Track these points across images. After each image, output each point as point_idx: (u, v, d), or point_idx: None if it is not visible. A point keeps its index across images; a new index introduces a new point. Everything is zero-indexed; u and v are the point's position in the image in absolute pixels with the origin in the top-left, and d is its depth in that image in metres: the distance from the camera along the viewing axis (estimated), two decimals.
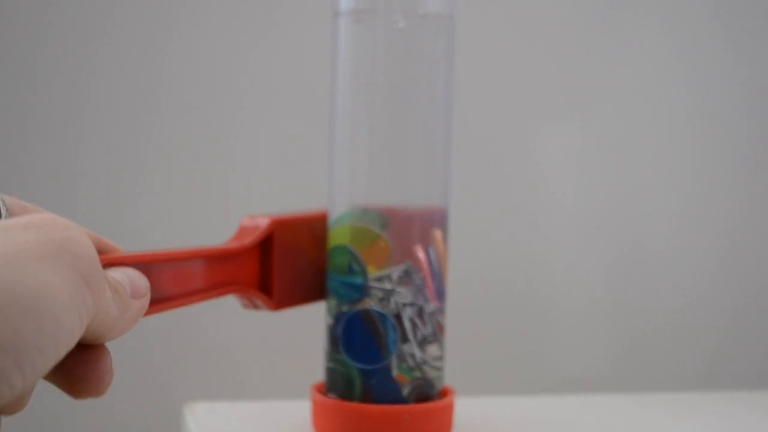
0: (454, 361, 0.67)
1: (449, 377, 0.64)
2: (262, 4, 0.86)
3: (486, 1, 0.89)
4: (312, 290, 0.62)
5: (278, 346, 0.87)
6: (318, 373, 0.65)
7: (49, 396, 0.83)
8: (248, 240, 0.57)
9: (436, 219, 0.61)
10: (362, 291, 0.59)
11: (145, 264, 0.47)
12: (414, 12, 0.59)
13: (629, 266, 0.94)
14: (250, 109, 0.86)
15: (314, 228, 0.62)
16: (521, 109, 0.91)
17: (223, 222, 0.72)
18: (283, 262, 0.60)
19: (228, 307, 0.85)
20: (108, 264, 0.44)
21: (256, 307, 0.60)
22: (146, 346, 0.84)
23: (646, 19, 0.93)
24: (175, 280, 0.50)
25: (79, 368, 0.41)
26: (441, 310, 0.61)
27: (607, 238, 0.93)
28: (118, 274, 0.44)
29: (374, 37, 0.59)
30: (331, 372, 0.61)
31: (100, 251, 0.43)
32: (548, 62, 0.91)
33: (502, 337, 0.91)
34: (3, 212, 0.43)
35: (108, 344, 0.43)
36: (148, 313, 0.46)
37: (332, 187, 0.61)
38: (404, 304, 0.59)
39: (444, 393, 0.62)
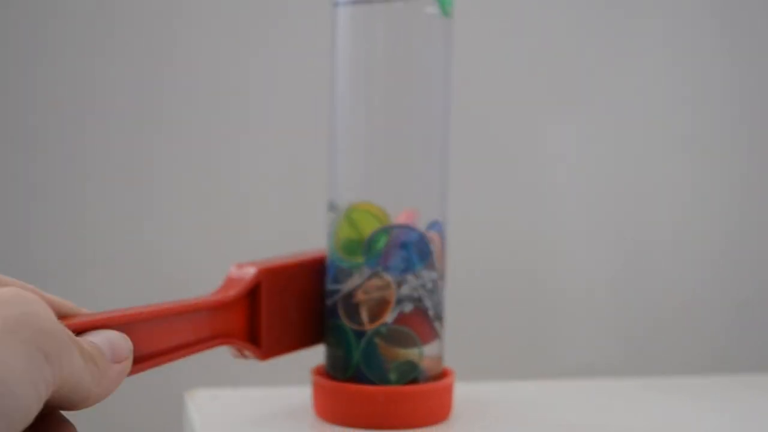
0: (458, 351, 0.67)
1: (452, 367, 0.63)
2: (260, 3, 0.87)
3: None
4: (303, 337, 0.61)
5: None
6: (318, 357, 0.65)
7: None
8: (234, 291, 0.55)
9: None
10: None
11: (127, 324, 0.45)
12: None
13: (635, 256, 0.95)
14: (250, 108, 0.87)
15: (305, 273, 0.60)
16: (528, 104, 0.93)
17: (227, 223, 0.71)
18: (272, 311, 0.58)
19: None
20: (87, 327, 0.43)
21: (244, 356, 0.58)
22: None
23: (648, 18, 0.94)
24: (159, 336, 0.48)
25: None
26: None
27: (614, 229, 0.95)
28: (98, 338, 0.42)
29: (373, 28, 0.59)
30: (329, 352, 0.61)
31: (72, 316, 0.43)
32: (554, 59, 0.93)
33: (507, 327, 0.91)
34: None
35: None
36: (133, 372, 0.45)
37: (333, 183, 0.61)
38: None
39: (444, 374, 0.62)
